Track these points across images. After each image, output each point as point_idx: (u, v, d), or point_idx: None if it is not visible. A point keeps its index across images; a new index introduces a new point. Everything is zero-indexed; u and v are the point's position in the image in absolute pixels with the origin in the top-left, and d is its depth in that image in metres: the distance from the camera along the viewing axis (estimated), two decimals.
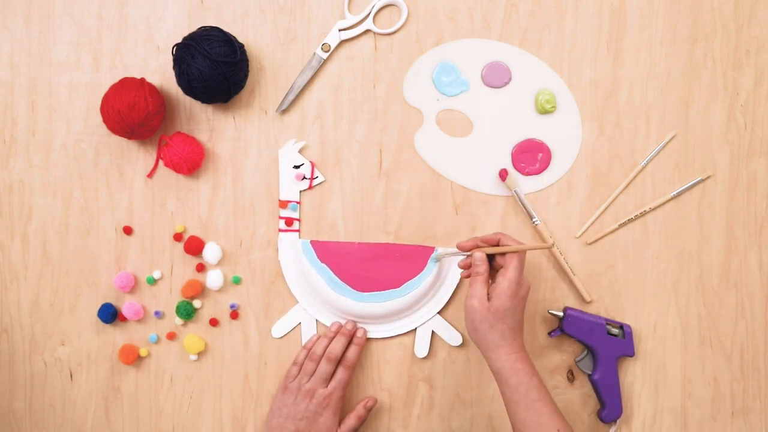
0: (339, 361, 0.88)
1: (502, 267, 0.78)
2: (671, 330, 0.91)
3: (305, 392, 0.86)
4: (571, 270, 0.90)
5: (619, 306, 0.91)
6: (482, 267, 0.78)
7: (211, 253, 0.90)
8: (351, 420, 0.87)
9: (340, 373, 0.87)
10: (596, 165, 0.91)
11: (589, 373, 0.89)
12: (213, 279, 0.90)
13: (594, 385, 0.89)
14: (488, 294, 0.77)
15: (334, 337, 0.89)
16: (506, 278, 0.76)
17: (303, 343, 0.91)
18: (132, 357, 0.90)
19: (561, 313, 0.89)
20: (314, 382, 0.86)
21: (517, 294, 0.76)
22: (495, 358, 0.76)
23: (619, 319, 0.91)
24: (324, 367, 0.87)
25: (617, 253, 0.91)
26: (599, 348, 0.88)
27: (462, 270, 0.82)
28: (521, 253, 0.77)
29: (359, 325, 0.91)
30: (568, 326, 0.88)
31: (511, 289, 0.76)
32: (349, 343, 0.89)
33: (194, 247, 0.90)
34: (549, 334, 0.90)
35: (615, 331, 0.89)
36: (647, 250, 0.91)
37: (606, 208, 0.91)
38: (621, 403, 0.89)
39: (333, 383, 0.86)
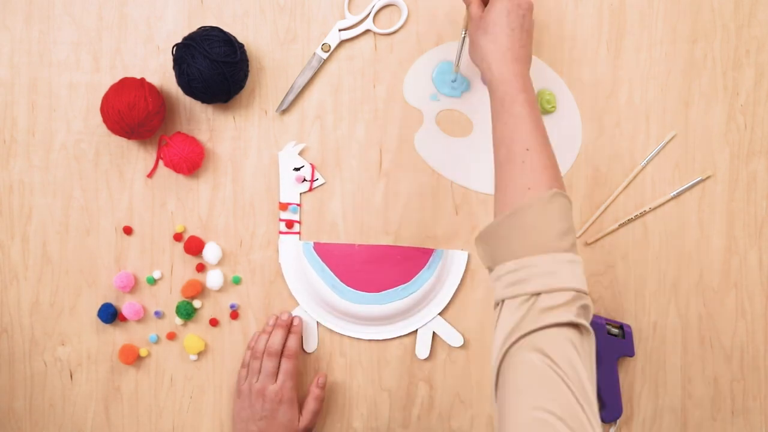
0: (282, 353, 0.88)
1: None
2: (671, 330, 0.91)
3: (257, 392, 0.85)
4: None
5: (619, 306, 0.91)
6: None
7: (211, 253, 0.90)
8: (310, 404, 0.87)
9: (284, 365, 0.87)
10: (596, 165, 0.91)
11: None
12: (213, 279, 0.90)
13: None
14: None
15: (272, 331, 0.88)
16: None
17: (246, 343, 0.91)
18: (132, 357, 0.90)
19: None
20: (263, 380, 0.86)
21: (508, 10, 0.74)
22: (486, 69, 0.75)
23: (619, 319, 0.91)
24: (267, 363, 0.86)
25: (617, 253, 0.91)
26: (599, 348, 0.88)
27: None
28: None
29: (361, 326, 0.91)
30: None
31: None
32: (289, 332, 0.89)
33: (194, 247, 0.90)
34: None
35: (615, 331, 0.89)
36: (647, 250, 0.91)
37: (606, 208, 0.91)
38: (621, 403, 0.89)
39: (281, 376, 0.86)
